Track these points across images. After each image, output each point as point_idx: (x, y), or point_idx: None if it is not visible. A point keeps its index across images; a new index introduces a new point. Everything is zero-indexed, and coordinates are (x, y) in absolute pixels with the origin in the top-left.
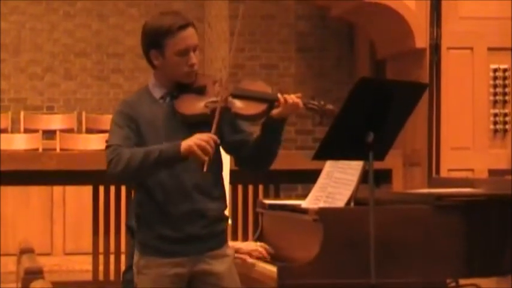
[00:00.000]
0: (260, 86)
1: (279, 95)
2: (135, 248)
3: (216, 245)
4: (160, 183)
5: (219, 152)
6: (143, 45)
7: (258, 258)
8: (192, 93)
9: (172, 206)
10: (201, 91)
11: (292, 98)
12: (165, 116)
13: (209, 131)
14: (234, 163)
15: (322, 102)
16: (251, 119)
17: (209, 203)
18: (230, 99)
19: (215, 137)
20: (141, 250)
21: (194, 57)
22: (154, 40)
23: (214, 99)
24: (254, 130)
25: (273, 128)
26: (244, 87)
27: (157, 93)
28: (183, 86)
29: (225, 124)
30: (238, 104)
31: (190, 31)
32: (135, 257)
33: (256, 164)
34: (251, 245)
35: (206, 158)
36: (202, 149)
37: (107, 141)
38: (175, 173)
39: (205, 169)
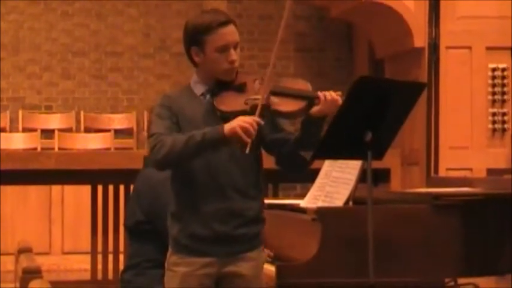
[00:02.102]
0: (300, 84)
1: (319, 93)
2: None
3: (248, 248)
4: (196, 180)
5: (260, 150)
6: (184, 43)
7: None
8: (232, 91)
9: (207, 203)
10: (241, 88)
11: (332, 95)
12: (205, 112)
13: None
14: (274, 163)
15: None
16: (290, 116)
17: (246, 202)
18: (270, 96)
19: (259, 120)
20: (173, 247)
21: (234, 54)
22: (194, 37)
23: (254, 96)
24: (295, 131)
25: (312, 126)
26: (284, 85)
27: (198, 90)
28: (223, 83)
29: (266, 123)
30: (277, 101)
31: (230, 28)
32: (168, 254)
33: (297, 163)
34: None
35: (249, 140)
36: (246, 131)
37: (149, 132)
38: (212, 170)
39: (247, 151)
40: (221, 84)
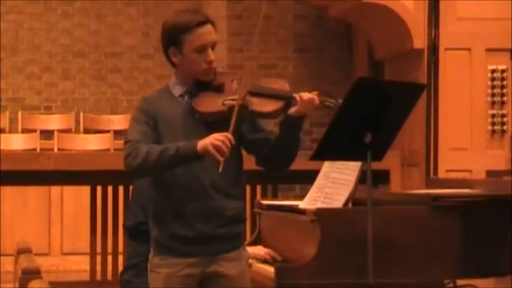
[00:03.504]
0: (278, 84)
1: (295, 94)
2: (151, 246)
3: (231, 247)
4: (177, 180)
5: (240, 150)
6: (162, 43)
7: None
8: (210, 91)
9: (188, 204)
10: (219, 89)
11: (308, 95)
12: (184, 114)
13: (227, 129)
14: (255, 163)
15: (339, 100)
16: (268, 116)
17: (227, 201)
18: (247, 97)
19: (231, 137)
20: (155, 248)
21: (212, 54)
22: (172, 37)
23: (232, 97)
24: (275, 130)
25: (290, 126)
26: (262, 85)
27: (177, 91)
28: (201, 84)
29: (244, 123)
30: (255, 102)
31: (208, 28)
32: (150, 255)
33: (277, 163)
34: (256, 250)
35: (221, 159)
36: (218, 149)
37: (125, 137)
38: (193, 170)
39: (220, 169)
40: (199, 85)
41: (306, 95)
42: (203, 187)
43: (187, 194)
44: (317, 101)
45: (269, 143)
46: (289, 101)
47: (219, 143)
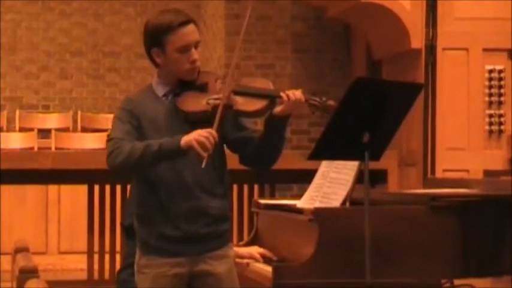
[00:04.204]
0: (262, 83)
1: (282, 92)
2: (136, 246)
3: (217, 246)
4: (162, 180)
5: (223, 149)
6: (145, 43)
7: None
8: (194, 91)
9: (173, 203)
10: (203, 88)
11: (294, 93)
12: (167, 113)
13: (211, 128)
14: (238, 161)
15: (323, 98)
16: (252, 115)
17: (211, 200)
18: (232, 96)
19: (215, 133)
20: (142, 249)
21: (195, 54)
22: (155, 38)
23: (216, 96)
24: (259, 129)
25: (275, 125)
26: (246, 84)
27: (160, 91)
28: (185, 84)
29: (228, 122)
30: (239, 101)
31: (190, 27)
32: (136, 256)
33: (261, 161)
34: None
35: (205, 154)
36: (202, 145)
37: (108, 136)
38: (177, 170)
39: (203, 165)
40: (183, 85)
41: (292, 94)
42: (187, 186)
43: (172, 193)
44: (303, 99)
45: (253, 142)
46: (273, 99)
47: (202, 139)
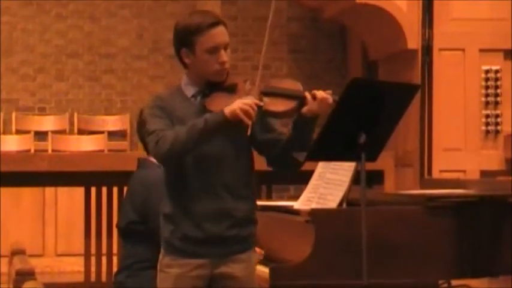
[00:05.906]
0: (290, 84)
1: (308, 92)
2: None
3: (241, 249)
4: (188, 181)
5: (251, 150)
6: (174, 44)
7: None
8: (223, 92)
9: (199, 204)
10: (232, 89)
11: (322, 94)
12: (196, 114)
13: (240, 129)
14: (266, 163)
15: None
16: (281, 115)
17: (237, 202)
18: (260, 97)
19: (257, 101)
20: (165, 249)
21: (224, 55)
22: (184, 39)
23: (245, 97)
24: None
25: (303, 126)
26: (275, 85)
27: (189, 91)
28: (214, 85)
29: (257, 123)
30: (268, 102)
31: (220, 29)
32: (160, 255)
33: (288, 163)
34: None
35: (249, 122)
36: (245, 113)
37: (147, 131)
38: (203, 170)
39: (248, 132)
40: (212, 86)
41: (320, 94)
42: (213, 187)
43: (198, 194)
44: (330, 99)
45: (280, 144)
46: (302, 100)
47: (246, 107)
